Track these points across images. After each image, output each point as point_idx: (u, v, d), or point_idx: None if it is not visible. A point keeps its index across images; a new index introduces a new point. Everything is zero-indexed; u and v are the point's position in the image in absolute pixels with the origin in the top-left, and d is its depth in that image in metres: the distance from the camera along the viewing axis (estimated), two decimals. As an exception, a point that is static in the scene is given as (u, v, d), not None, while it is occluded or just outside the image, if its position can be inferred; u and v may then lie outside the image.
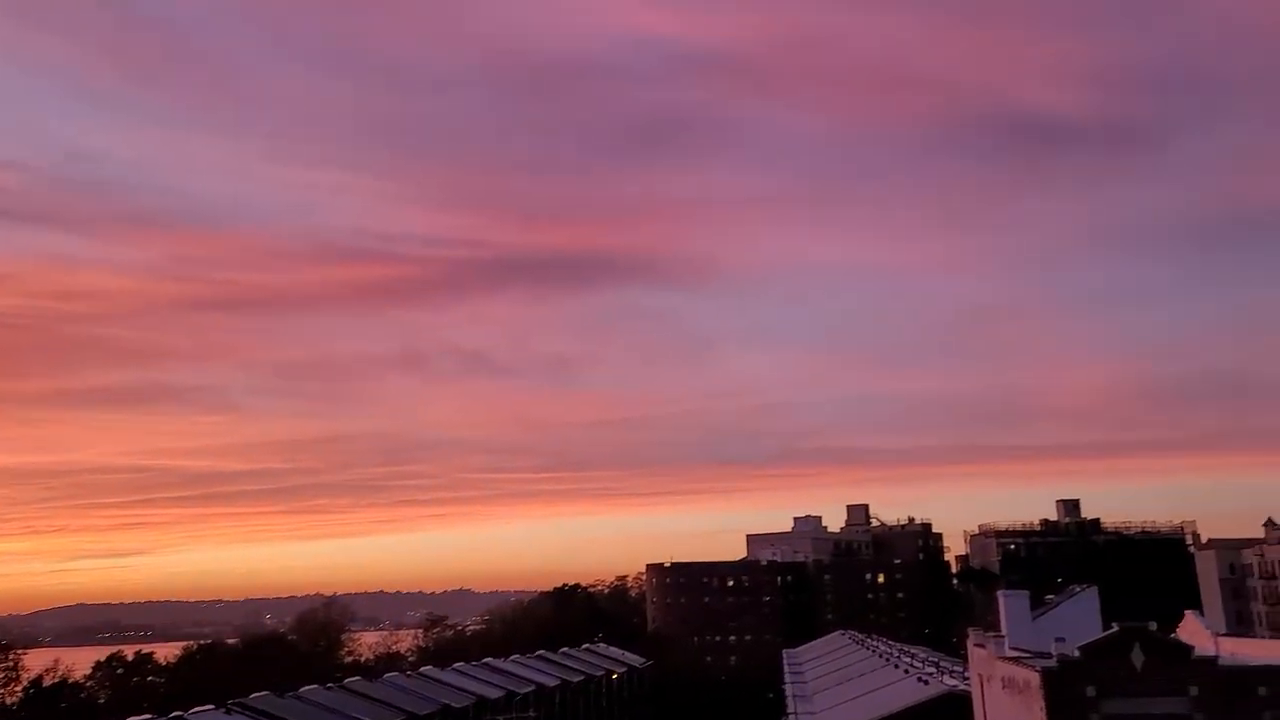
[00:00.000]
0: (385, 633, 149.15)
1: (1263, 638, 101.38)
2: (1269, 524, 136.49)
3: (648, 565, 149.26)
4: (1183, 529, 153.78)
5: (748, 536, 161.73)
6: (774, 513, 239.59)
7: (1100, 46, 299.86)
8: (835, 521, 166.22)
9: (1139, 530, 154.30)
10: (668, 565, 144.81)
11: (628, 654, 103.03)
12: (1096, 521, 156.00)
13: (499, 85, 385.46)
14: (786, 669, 79.49)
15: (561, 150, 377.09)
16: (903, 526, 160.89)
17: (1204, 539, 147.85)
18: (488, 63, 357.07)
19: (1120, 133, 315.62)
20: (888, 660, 63.43)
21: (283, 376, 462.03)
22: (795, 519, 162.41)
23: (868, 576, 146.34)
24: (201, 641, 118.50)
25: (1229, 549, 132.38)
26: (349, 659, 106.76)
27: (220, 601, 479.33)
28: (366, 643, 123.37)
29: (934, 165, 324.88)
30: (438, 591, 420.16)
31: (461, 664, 77.30)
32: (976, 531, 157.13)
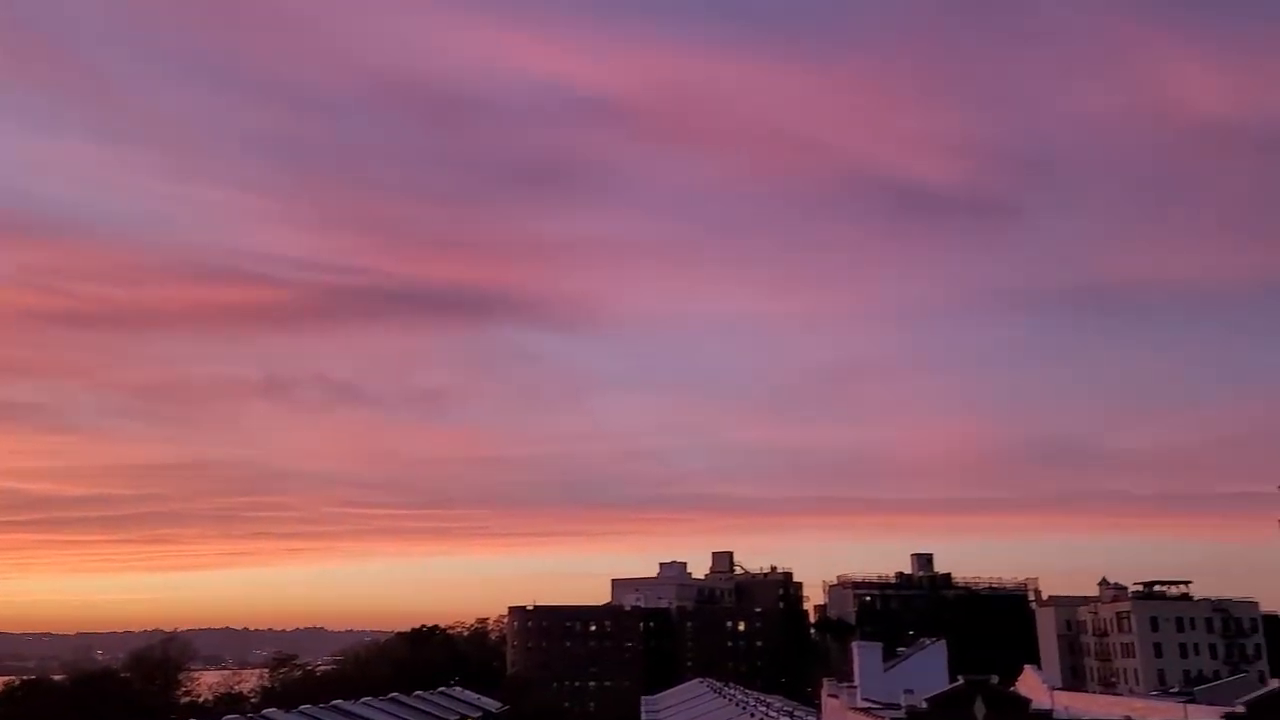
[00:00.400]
0: (228, 672, 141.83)
1: (1094, 692, 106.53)
2: (1103, 583, 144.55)
3: (510, 608, 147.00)
4: (1026, 586, 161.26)
5: (613, 581, 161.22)
6: (641, 557, 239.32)
7: (971, 124, 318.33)
8: (701, 568, 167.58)
9: (986, 586, 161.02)
10: (530, 608, 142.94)
11: (484, 698, 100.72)
12: (948, 576, 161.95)
13: (387, 114, 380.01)
14: (644, 716, 79.20)
15: (447, 183, 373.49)
16: (765, 575, 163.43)
17: (1044, 596, 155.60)
18: (377, 90, 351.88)
19: (984, 205, 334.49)
20: (743, 709, 63.94)
21: (135, 398, 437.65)
22: (661, 564, 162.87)
23: (729, 624, 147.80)
24: (25, 677, 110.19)
25: (1066, 606, 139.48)
26: (186, 699, 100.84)
27: (48, 635, 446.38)
28: (207, 682, 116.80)
29: (809, 223, 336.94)
30: (289, 629, 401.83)
31: (308, 706, 73.96)
32: (835, 582, 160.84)
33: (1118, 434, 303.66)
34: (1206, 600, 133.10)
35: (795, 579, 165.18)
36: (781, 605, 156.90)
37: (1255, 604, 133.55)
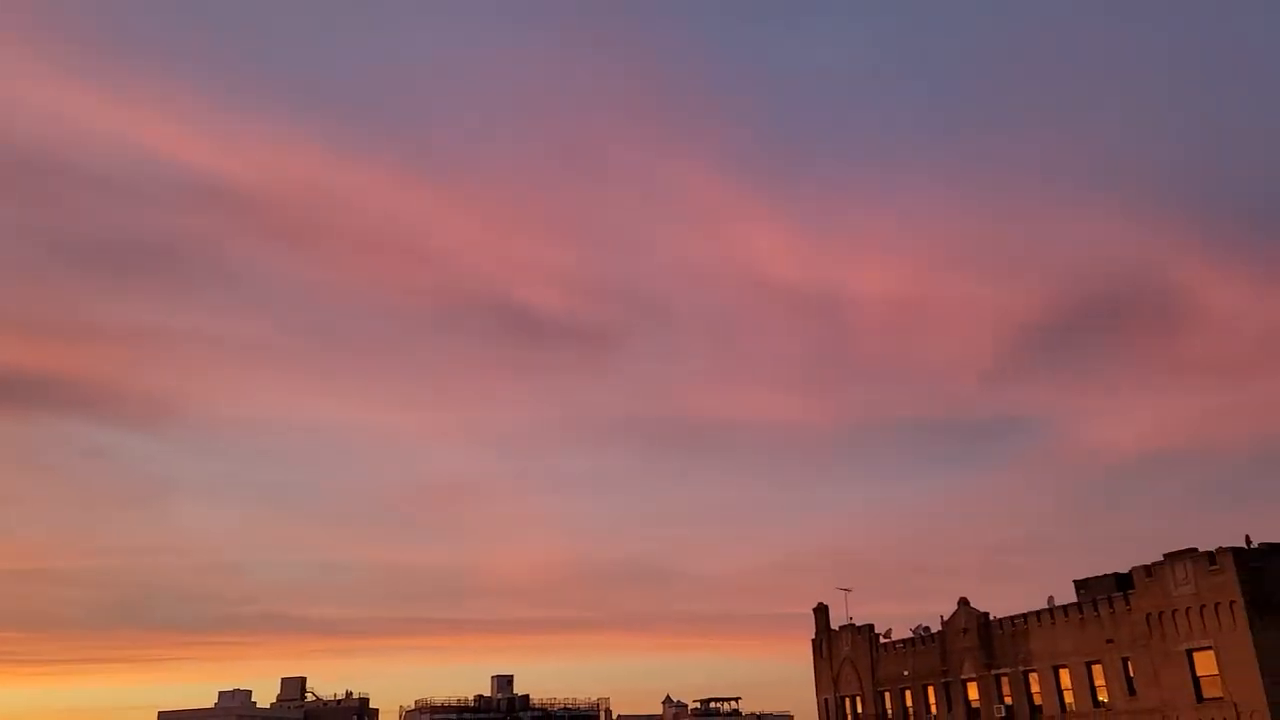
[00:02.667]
0: None
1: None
2: (666, 701, 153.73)
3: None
4: (599, 705, 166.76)
5: (160, 714, 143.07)
6: (202, 685, 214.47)
7: (585, 260, 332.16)
8: (269, 695, 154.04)
9: (562, 706, 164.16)
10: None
11: None
12: (526, 697, 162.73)
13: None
14: None
15: (19, 254, 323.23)
16: (339, 701, 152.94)
17: (615, 715, 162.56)
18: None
19: (590, 337, 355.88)
20: None
21: None
22: (221, 693, 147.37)
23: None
24: None
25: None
26: None
27: None
28: None
29: (421, 338, 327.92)
30: None
31: None
32: (413, 707, 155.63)
33: (694, 558, 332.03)
34: (753, 714, 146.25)
35: (373, 704, 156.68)
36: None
37: (790, 716, 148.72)
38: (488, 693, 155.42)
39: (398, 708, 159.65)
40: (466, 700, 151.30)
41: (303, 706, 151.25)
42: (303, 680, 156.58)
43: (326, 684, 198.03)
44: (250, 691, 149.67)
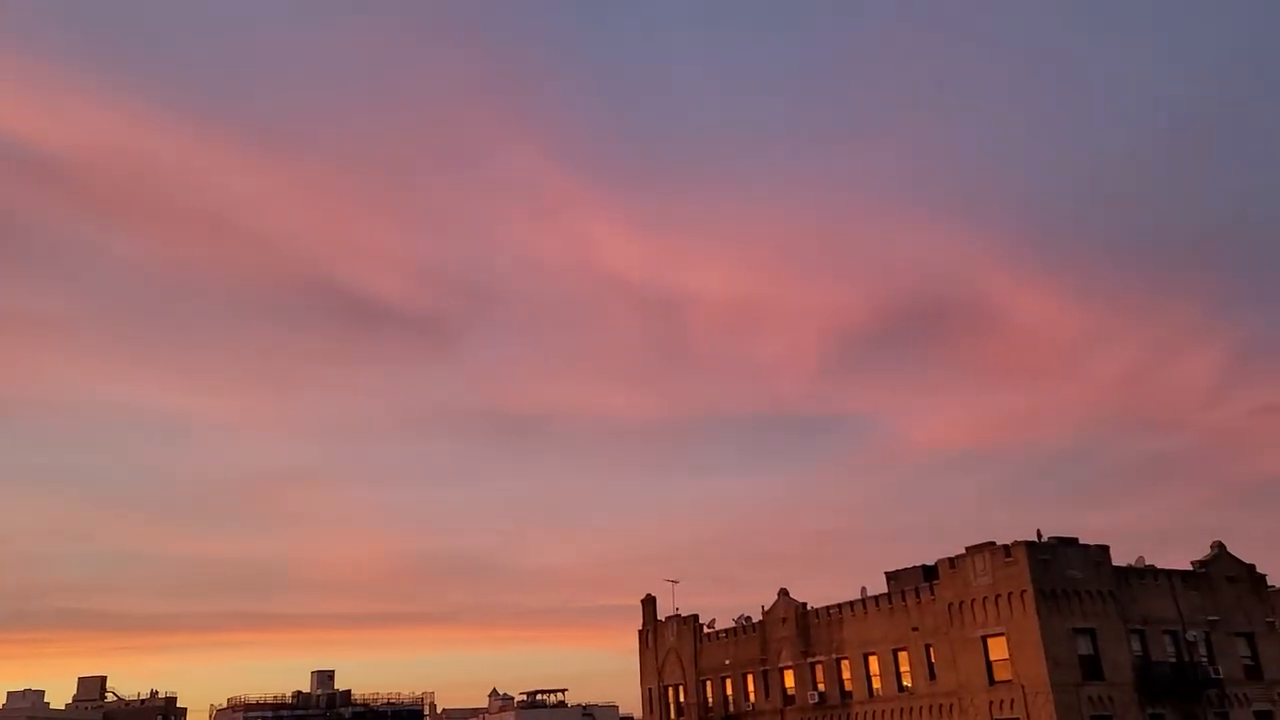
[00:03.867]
0: None
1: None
2: (493, 694, 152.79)
3: None
4: (423, 699, 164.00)
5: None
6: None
7: (423, 247, 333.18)
8: (63, 696, 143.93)
9: (385, 701, 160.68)
10: None
11: None
12: (347, 693, 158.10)
13: None
14: None
15: None
16: (142, 701, 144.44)
17: (439, 709, 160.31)
18: None
19: (426, 327, 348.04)
20: None
21: None
22: (9, 694, 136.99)
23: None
24: None
25: (457, 717, 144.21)
26: None
27: None
28: None
29: (246, 320, 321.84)
30: None
31: None
32: (225, 705, 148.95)
33: (524, 551, 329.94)
34: (578, 706, 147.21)
35: (181, 704, 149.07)
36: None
37: (616, 707, 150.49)
38: (307, 689, 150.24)
39: (208, 707, 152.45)
40: (284, 697, 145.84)
41: (102, 707, 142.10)
42: (102, 679, 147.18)
43: (130, 683, 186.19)
44: (43, 692, 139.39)
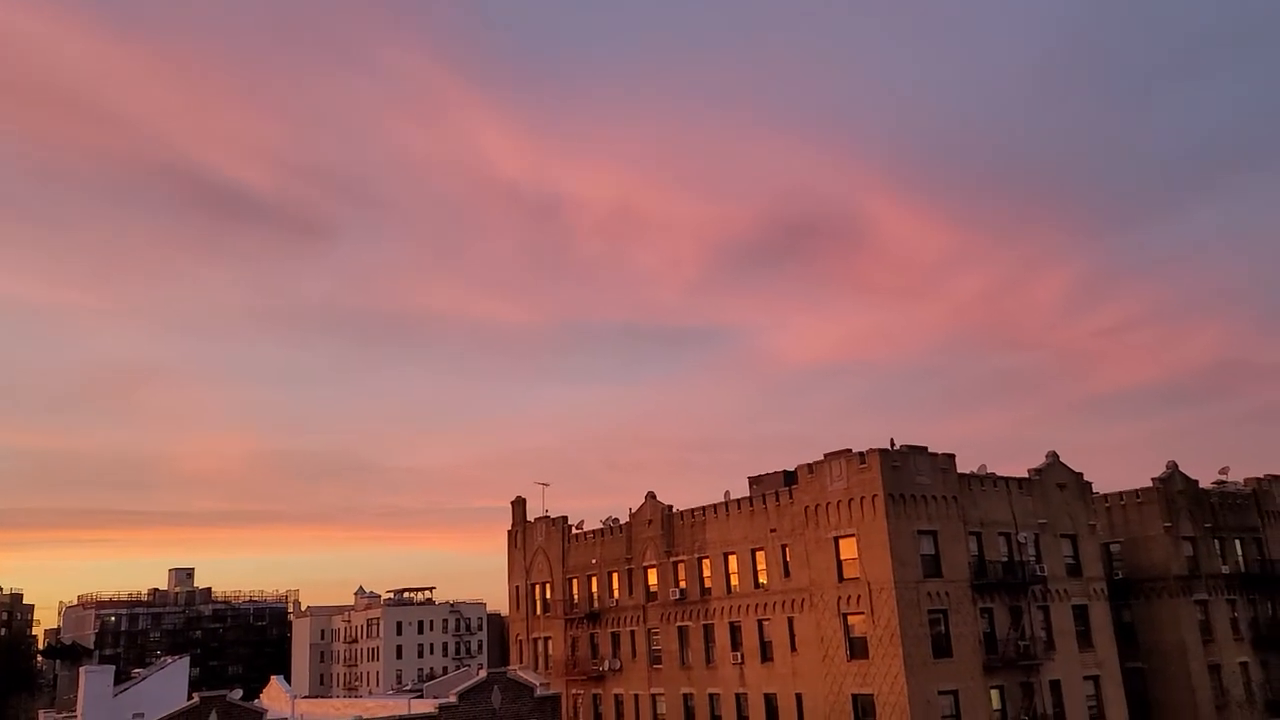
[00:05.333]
0: None
1: (338, 697, 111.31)
2: (359, 592, 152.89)
3: None
4: (287, 598, 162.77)
5: None
6: None
7: (297, 139, 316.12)
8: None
9: (248, 599, 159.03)
10: None
11: None
12: (208, 590, 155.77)
13: None
14: None
15: None
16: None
17: (304, 607, 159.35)
18: None
19: (299, 222, 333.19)
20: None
21: None
22: None
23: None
24: None
25: (322, 615, 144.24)
26: None
27: None
28: None
29: (103, 207, 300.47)
30: None
31: None
32: (75, 603, 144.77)
33: (395, 453, 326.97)
34: (446, 603, 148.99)
35: (27, 600, 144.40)
36: (4, 631, 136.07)
37: (483, 604, 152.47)
38: (165, 588, 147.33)
39: (57, 604, 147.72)
40: (139, 595, 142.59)
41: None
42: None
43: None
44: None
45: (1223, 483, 62.02)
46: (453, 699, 37.45)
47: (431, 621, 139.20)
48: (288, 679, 68.63)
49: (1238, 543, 59.94)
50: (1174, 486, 58.11)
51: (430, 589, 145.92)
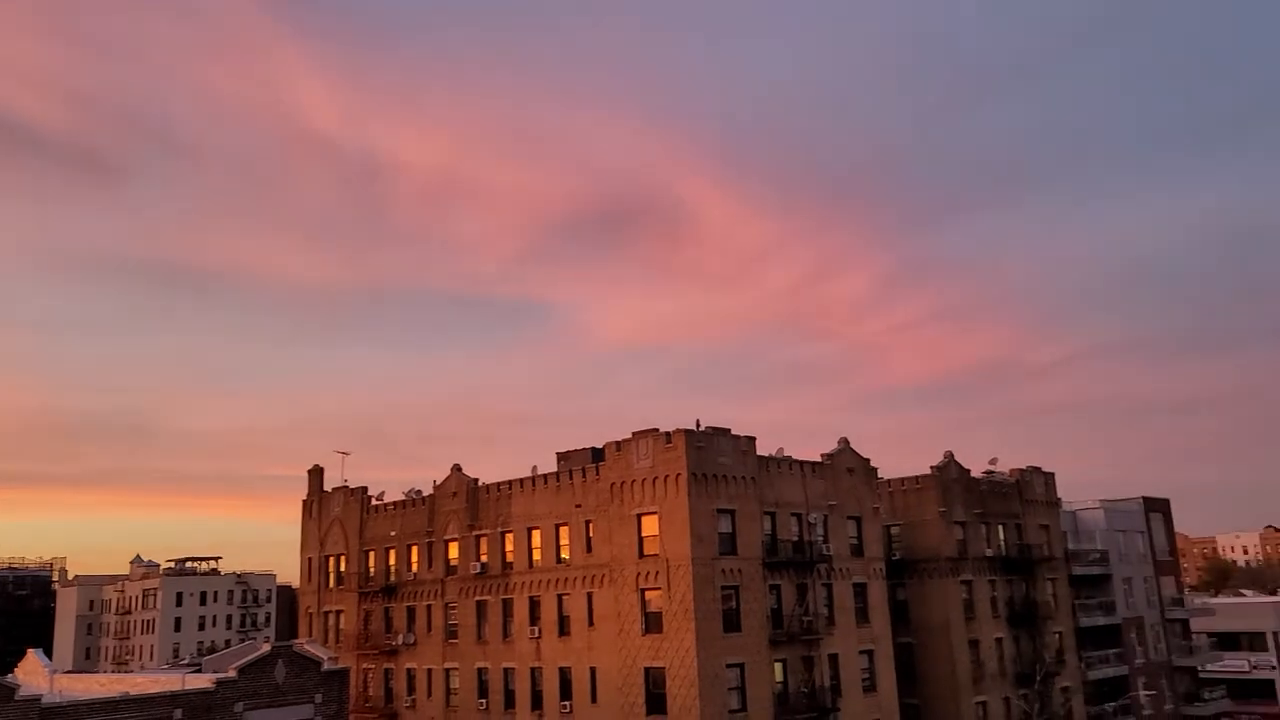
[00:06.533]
0: None
1: (107, 672, 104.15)
2: (135, 560, 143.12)
3: None
4: (51, 565, 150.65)
5: None
6: None
7: (90, 73, 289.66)
8: None
9: (6, 566, 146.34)
10: None
11: None
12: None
13: None
14: None
15: None
16: None
17: (71, 576, 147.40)
18: None
19: (88, 162, 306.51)
20: None
21: None
22: None
23: None
24: None
25: (92, 586, 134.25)
26: None
27: None
28: None
29: None
30: None
31: None
32: None
33: (183, 414, 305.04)
34: (232, 574, 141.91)
35: None
36: None
37: (273, 575, 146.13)
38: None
39: None
40: None
41: None
42: None
43: None
44: None
45: (991, 473, 67.25)
46: (232, 673, 35.63)
47: (215, 593, 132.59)
48: (49, 653, 63.66)
49: (1001, 528, 65.22)
50: (949, 474, 62.51)
51: (216, 559, 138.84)
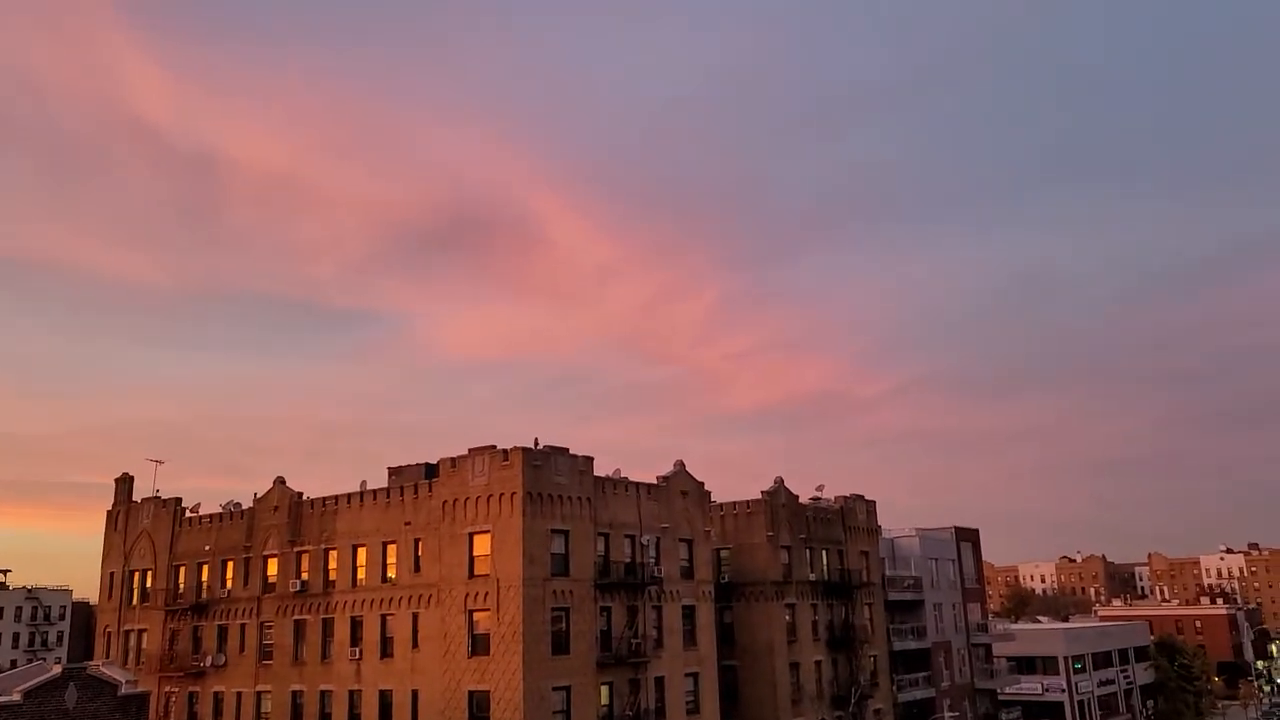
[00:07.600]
0: None
1: None
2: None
3: None
4: None
5: None
6: None
7: None
8: None
9: None
10: None
11: None
12: None
13: None
14: None
15: None
16: None
17: None
18: None
19: None
20: None
21: None
22: None
23: None
24: None
25: None
26: None
27: None
28: None
29: None
30: None
31: None
32: None
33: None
34: (22, 589, 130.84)
35: None
36: None
37: (69, 591, 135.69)
38: None
39: None
40: None
41: None
42: None
43: None
44: None
45: (818, 499, 69.56)
46: (17, 697, 32.72)
47: (2, 609, 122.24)
48: None
49: (824, 553, 67.48)
50: (778, 500, 64.27)
51: (5, 572, 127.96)
